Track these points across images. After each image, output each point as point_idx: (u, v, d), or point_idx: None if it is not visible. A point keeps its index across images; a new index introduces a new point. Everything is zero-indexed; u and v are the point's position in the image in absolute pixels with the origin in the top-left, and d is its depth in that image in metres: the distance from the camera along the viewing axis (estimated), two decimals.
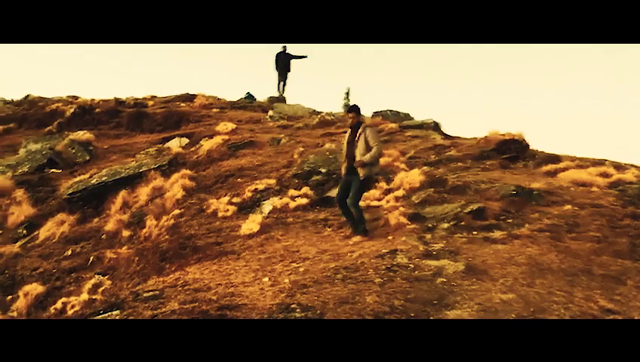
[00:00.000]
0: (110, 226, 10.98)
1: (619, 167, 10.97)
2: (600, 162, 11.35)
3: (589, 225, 7.93)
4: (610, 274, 6.46)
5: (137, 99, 22.23)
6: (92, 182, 13.00)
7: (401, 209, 8.84)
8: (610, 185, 9.63)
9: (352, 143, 8.15)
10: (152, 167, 13.28)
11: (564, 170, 10.73)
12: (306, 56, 21.58)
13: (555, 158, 11.73)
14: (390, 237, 7.85)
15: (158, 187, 12.13)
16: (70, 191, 12.76)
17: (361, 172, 8.02)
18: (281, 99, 21.94)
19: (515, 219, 8.24)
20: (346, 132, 8.58)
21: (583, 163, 11.25)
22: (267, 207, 10.34)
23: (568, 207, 8.56)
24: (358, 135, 8.07)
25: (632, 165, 11.21)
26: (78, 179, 13.59)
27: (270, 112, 19.28)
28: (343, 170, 8.35)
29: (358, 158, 8.00)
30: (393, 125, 16.34)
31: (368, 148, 7.98)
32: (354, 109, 8.32)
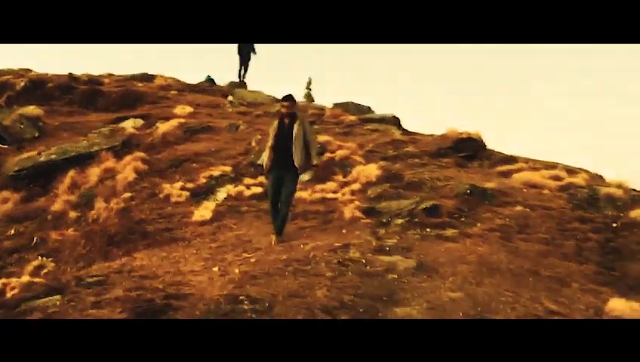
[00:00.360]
0: (57, 206, 10.63)
1: (570, 170, 11.20)
2: (553, 165, 11.57)
3: (538, 226, 8.07)
4: (556, 276, 6.59)
5: (93, 76, 21.50)
6: (40, 159, 12.57)
7: (357, 203, 8.81)
8: (560, 188, 9.82)
9: (286, 136, 7.49)
10: (104, 147, 12.90)
11: (518, 171, 10.89)
12: (255, 53, 21.30)
13: (510, 159, 11.90)
14: (344, 231, 7.81)
15: (109, 168, 11.79)
16: (16, 168, 12.32)
17: (301, 166, 7.56)
18: (242, 85, 21.62)
19: (468, 217, 8.32)
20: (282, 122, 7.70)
21: (536, 165, 11.46)
22: (221, 194, 10.18)
23: (520, 208, 8.69)
24: (296, 128, 7.49)
25: (583, 169, 11.47)
26: (25, 155, 13.11)
27: (230, 97, 18.96)
28: (270, 164, 7.60)
29: (297, 153, 7.44)
30: (353, 118, 16.27)
31: (306, 143, 7.55)
32: (291, 99, 7.74)
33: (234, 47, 21.16)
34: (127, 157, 12.17)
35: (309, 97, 19.77)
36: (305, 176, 8.68)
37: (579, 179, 10.18)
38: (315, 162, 7.65)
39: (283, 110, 7.70)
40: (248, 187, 10.23)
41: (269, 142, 7.68)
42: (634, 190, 9.63)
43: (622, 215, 8.55)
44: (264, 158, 7.72)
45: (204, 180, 10.74)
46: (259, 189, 10.08)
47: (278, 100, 19.61)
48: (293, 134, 7.46)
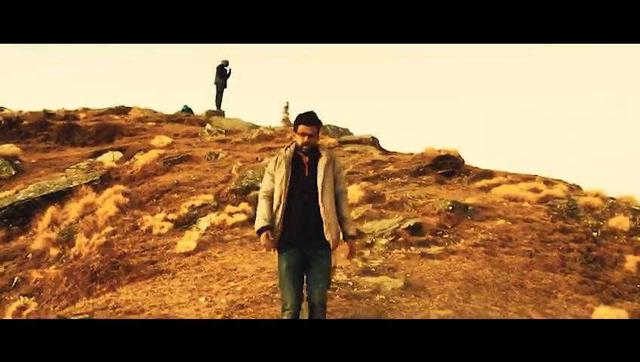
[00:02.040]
0: (37, 245, 10.45)
1: (548, 182, 11.40)
2: (530, 177, 11.76)
3: (521, 239, 8.17)
4: (541, 287, 6.67)
5: (68, 111, 21.36)
6: (18, 198, 12.37)
7: None
8: (540, 200, 9.98)
9: (308, 185, 4.34)
10: (83, 182, 12.76)
11: (497, 185, 11.05)
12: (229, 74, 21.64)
13: (488, 174, 12.06)
14: None
15: (89, 203, 11.64)
16: None
17: (335, 241, 4.38)
18: (220, 113, 21.66)
19: (452, 234, 8.39)
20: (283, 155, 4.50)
21: (514, 178, 11.62)
22: (204, 223, 10.11)
23: (501, 221, 8.80)
24: (323, 169, 4.38)
25: (560, 180, 11.66)
26: (2, 194, 12.91)
27: (208, 126, 18.99)
28: (281, 234, 4.42)
29: (329, 217, 4.31)
30: (332, 140, 16.39)
31: (336, 197, 4.46)
32: (315, 120, 4.43)
33: (211, 73, 21.27)
34: (107, 191, 12.04)
35: (287, 122, 19.80)
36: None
37: (557, 190, 10.36)
38: (351, 232, 4.57)
39: (301, 139, 4.39)
40: (231, 215, 10.17)
41: (280, 196, 4.37)
42: (611, 198, 9.82)
43: (601, 223, 8.71)
44: (267, 219, 4.44)
45: (186, 210, 10.66)
46: (242, 217, 10.03)
47: (255, 126, 19.62)
48: (318, 182, 4.35)
